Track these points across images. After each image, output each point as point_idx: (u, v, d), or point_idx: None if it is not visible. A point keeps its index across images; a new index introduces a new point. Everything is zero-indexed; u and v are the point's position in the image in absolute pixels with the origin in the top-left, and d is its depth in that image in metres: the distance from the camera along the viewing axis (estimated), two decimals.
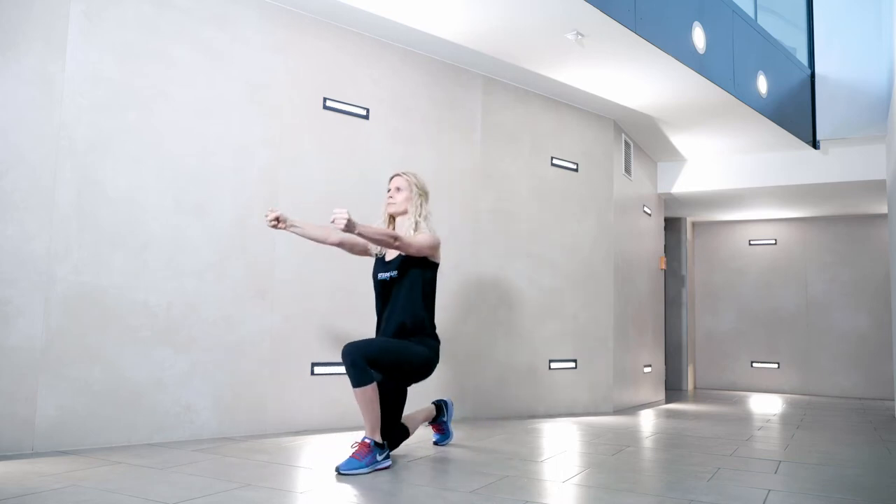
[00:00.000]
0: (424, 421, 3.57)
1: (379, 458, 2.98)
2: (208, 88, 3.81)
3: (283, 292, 4.02)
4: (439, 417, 3.68)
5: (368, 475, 2.87)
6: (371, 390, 2.99)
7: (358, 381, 2.97)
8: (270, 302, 3.96)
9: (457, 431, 4.11)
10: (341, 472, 2.84)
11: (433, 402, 3.70)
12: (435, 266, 3.33)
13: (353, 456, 2.90)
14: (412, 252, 3.17)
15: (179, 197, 3.66)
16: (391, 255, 3.32)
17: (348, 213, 2.82)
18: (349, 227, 2.83)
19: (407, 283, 3.22)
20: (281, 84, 4.10)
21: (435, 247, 3.26)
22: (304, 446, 3.51)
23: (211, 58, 3.82)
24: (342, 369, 4.20)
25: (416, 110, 4.75)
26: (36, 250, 3.20)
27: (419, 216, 3.31)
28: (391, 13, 4.22)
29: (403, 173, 3.39)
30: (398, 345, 3.15)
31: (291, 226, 3.26)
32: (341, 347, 4.17)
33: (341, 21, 4.33)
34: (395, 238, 3.08)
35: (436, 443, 3.68)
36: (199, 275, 3.70)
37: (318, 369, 4.12)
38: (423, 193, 3.37)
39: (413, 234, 3.25)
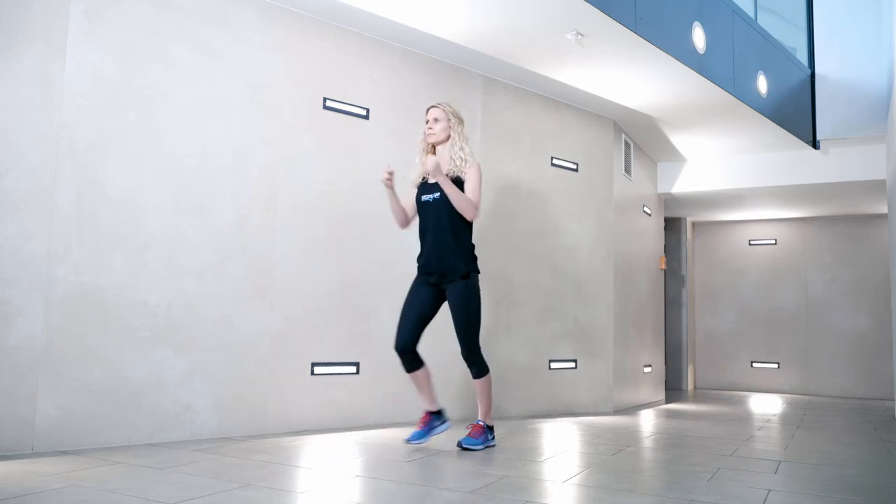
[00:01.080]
0: (429, 393, 3.65)
1: (490, 437, 3.59)
2: (208, 88, 3.81)
3: (283, 292, 4.02)
4: (433, 419, 3.65)
5: (367, 474, 2.87)
6: (488, 380, 3.58)
7: (479, 372, 3.56)
8: (270, 302, 3.96)
9: (457, 431, 4.10)
10: (463, 447, 3.45)
11: (439, 409, 3.69)
12: None
13: (471, 435, 3.50)
14: (477, 198, 3.54)
15: (179, 197, 3.66)
16: (433, 178, 3.59)
17: (437, 160, 3.45)
18: (437, 173, 3.41)
19: (450, 205, 3.52)
20: (281, 84, 4.10)
21: (480, 178, 3.60)
22: (304, 446, 3.51)
23: (211, 58, 3.82)
24: (342, 369, 4.22)
25: (416, 110, 4.74)
26: (36, 250, 3.20)
27: (462, 141, 3.64)
28: (391, 13, 4.22)
29: (439, 104, 3.70)
30: (472, 316, 3.52)
31: (392, 189, 3.58)
32: (341, 347, 4.21)
33: (341, 21, 4.33)
34: (474, 206, 3.52)
35: (408, 440, 3.60)
36: (199, 275, 3.70)
37: (318, 369, 4.12)
38: (460, 120, 3.70)
39: (467, 180, 3.55)
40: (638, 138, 6.56)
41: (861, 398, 8.05)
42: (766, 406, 6.77)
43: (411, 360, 3.58)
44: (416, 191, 3.71)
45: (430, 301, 3.60)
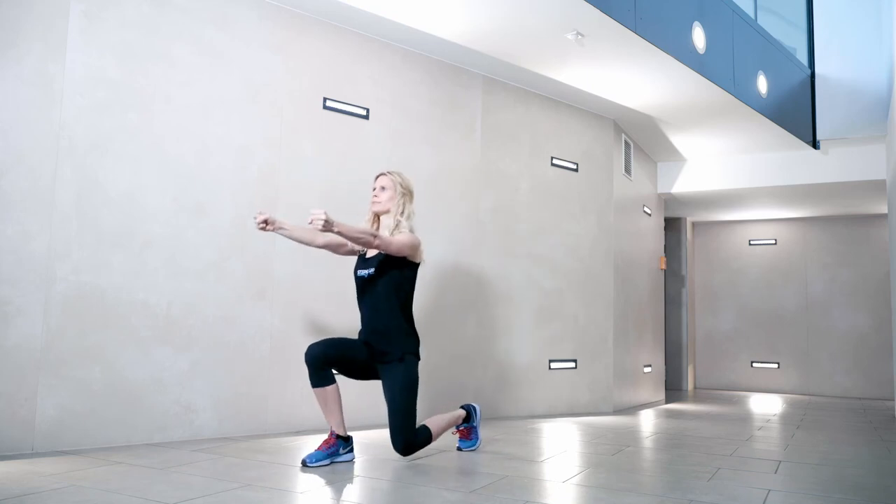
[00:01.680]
0: (451, 426, 3.47)
1: (342, 451, 3.17)
2: (208, 88, 3.81)
3: (283, 292, 4.02)
4: (469, 422, 3.59)
5: (366, 474, 2.87)
6: (430, 440, 3.25)
7: (424, 445, 3.24)
8: (270, 302, 3.96)
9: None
10: (307, 465, 3.01)
11: (461, 407, 3.60)
12: (415, 266, 3.32)
13: (319, 448, 3.10)
14: (392, 251, 3.16)
15: (179, 197, 3.66)
16: (371, 252, 3.31)
17: (325, 212, 2.82)
18: (327, 226, 2.83)
19: (385, 281, 3.22)
20: (281, 84, 4.10)
21: (414, 246, 3.25)
22: (304, 446, 3.50)
23: (211, 58, 3.82)
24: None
25: (416, 110, 4.75)
26: (36, 250, 3.20)
27: (400, 215, 3.30)
28: (391, 13, 4.22)
29: (388, 172, 3.39)
30: (408, 396, 3.18)
31: (280, 228, 3.25)
32: None
33: (341, 21, 4.33)
34: (375, 236, 3.08)
35: (460, 448, 3.56)
36: (199, 275, 3.70)
37: None
38: (408, 193, 3.36)
39: (393, 234, 3.24)
40: (638, 138, 6.56)
41: (861, 398, 8.04)
42: (766, 406, 6.77)
43: (325, 375, 3.14)
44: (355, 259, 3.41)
45: (365, 358, 3.23)
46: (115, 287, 3.41)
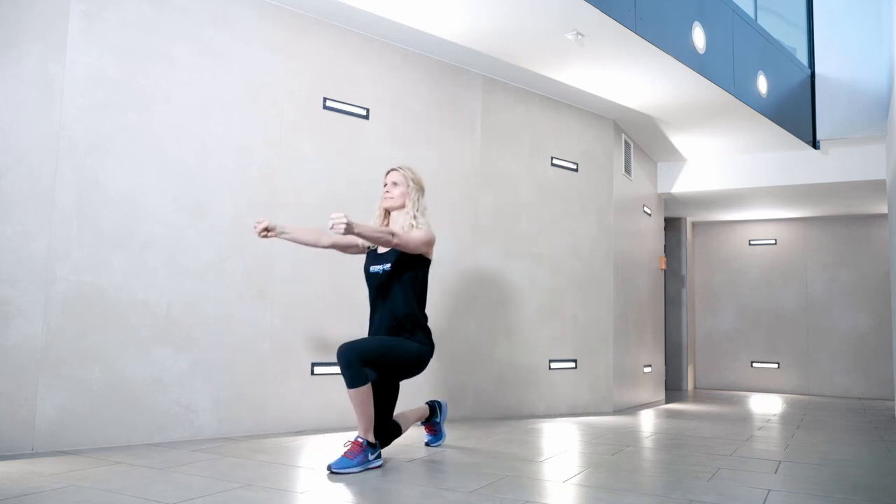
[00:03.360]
0: (417, 421, 3.55)
1: (371, 457, 3.00)
2: (208, 88, 3.81)
3: (283, 292, 4.02)
4: (432, 418, 3.65)
5: (366, 475, 2.87)
6: (366, 391, 3.00)
7: (353, 381, 2.96)
8: (270, 302, 3.96)
9: (456, 431, 4.11)
10: (333, 471, 2.87)
11: (426, 403, 3.68)
12: (428, 262, 3.33)
13: (346, 455, 2.93)
14: (409, 249, 3.16)
15: (179, 197, 3.66)
16: (384, 247, 3.28)
17: (346, 215, 2.80)
18: (348, 229, 2.81)
19: (400, 277, 3.21)
20: (281, 84, 4.10)
21: (431, 243, 3.27)
22: (304, 446, 3.51)
23: (211, 58, 3.82)
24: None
25: (416, 110, 4.74)
26: (36, 250, 3.20)
27: (416, 210, 3.30)
28: (391, 13, 4.22)
29: (399, 168, 3.38)
30: (392, 342, 3.15)
31: (281, 233, 3.25)
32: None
33: (341, 21, 4.33)
34: (394, 235, 3.06)
35: (427, 444, 3.65)
36: (199, 275, 3.70)
37: (318, 369, 4.12)
38: (420, 188, 3.36)
39: (410, 231, 3.23)
40: (638, 138, 6.56)
41: (861, 398, 8.04)
42: (766, 406, 6.77)
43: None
44: (365, 257, 3.40)
45: None
46: (115, 287, 3.41)
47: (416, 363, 3.23)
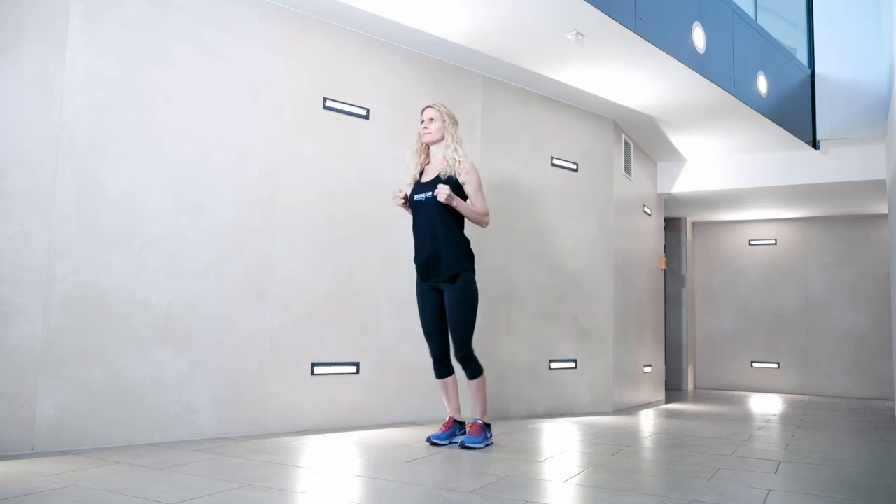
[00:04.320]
0: (455, 401, 3.78)
1: (489, 435, 3.64)
2: (208, 88, 3.81)
3: (283, 292, 4.02)
4: (455, 427, 3.70)
5: (366, 474, 2.87)
6: (482, 380, 3.63)
7: (473, 374, 3.61)
8: (270, 302, 3.96)
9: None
10: (466, 445, 3.51)
11: (478, 420, 3.69)
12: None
13: (471, 434, 3.57)
14: (485, 221, 3.69)
15: (179, 197, 3.66)
16: (428, 176, 3.69)
17: (448, 188, 3.45)
18: (449, 199, 3.45)
19: (442, 205, 3.55)
20: (281, 84, 4.10)
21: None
22: (304, 446, 3.51)
23: (211, 58, 3.82)
24: (342, 369, 4.22)
25: (416, 110, 4.73)
26: (36, 250, 3.20)
27: (455, 143, 3.68)
28: (391, 13, 4.22)
29: (434, 104, 3.76)
30: (466, 308, 3.57)
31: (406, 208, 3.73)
32: (341, 347, 4.21)
33: (341, 21, 4.33)
34: (485, 214, 3.65)
35: (429, 439, 3.65)
36: (199, 275, 3.70)
37: (318, 369, 4.12)
38: (454, 121, 3.74)
39: (477, 199, 3.64)
40: (638, 138, 6.56)
41: (861, 398, 8.05)
42: (766, 406, 6.77)
43: (445, 367, 3.72)
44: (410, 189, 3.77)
45: (438, 305, 3.67)
46: (115, 287, 3.41)
47: (476, 298, 3.66)
